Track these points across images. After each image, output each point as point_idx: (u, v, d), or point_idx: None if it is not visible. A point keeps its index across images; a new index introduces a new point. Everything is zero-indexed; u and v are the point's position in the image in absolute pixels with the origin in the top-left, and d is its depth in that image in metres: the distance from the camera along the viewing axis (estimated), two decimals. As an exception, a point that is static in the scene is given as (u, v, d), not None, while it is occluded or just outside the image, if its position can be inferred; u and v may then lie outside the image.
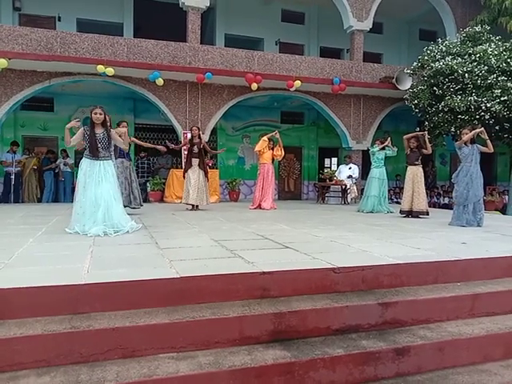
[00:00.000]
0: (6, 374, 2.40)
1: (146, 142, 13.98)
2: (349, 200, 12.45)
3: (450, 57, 11.71)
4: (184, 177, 8.88)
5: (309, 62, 12.85)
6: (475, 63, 11.36)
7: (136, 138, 7.30)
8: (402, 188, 9.42)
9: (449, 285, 3.63)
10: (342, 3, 13.15)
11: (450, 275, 3.71)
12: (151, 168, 13.12)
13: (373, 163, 9.67)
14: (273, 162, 10.07)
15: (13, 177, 11.30)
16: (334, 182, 12.50)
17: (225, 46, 14.14)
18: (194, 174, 8.67)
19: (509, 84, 11.18)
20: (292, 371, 2.64)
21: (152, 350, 2.64)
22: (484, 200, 7.94)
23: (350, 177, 12.53)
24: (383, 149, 9.60)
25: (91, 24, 13.67)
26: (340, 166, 13.32)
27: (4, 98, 10.74)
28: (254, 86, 11.78)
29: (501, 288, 3.66)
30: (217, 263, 3.47)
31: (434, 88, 11.96)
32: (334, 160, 16.86)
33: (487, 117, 11.25)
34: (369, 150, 10.45)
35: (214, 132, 13.59)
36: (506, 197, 14.30)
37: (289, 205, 11.66)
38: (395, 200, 14.07)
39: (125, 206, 5.87)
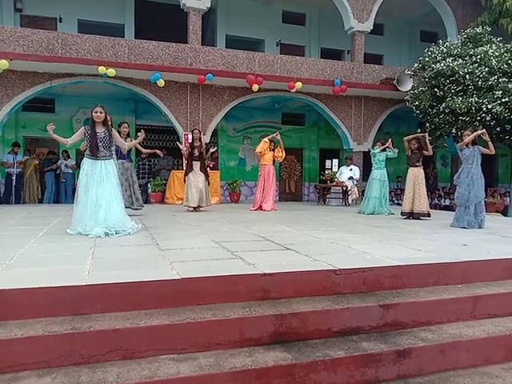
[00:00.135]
0: (6, 375, 2.40)
1: (147, 143, 14.19)
2: (350, 201, 12.45)
3: (451, 58, 11.71)
4: (185, 180, 8.88)
5: (310, 64, 12.86)
6: (476, 64, 11.36)
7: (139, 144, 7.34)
8: (403, 189, 9.41)
9: (450, 287, 3.62)
10: (342, 4, 13.16)
11: (451, 277, 3.70)
12: (152, 169, 13.13)
13: (374, 165, 9.66)
14: (274, 163, 10.07)
15: (14, 178, 11.31)
16: (334, 183, 12.50)
17: (226, 47, 14.17)
18: (195, 177, 8.66)
19: (510, 85, 11.17)
20: (293, 373, 2.64)
21: (153, 351, 2.64)
22: (485, 202, 7.93)
23: (350, 178, 12.52)
24: (384, 150, 9.60)
25: (92, 25, 13.70)
26: (341, 168, 13.32)
27: (5, 99, 10.76)
28: (255, 87, 11.79)
29: (502, 290, 3.66)
30: (217, 264, 3.47)
31: (435, 89, 11.96)
32: (335, 161, 16.81)
33: (488, 118, 11.25)
34: (370, 151, 10.45)
35: (214, 133, 13.60)
36: (507, 198, 14.30)
37: (290, 206, 11.66)
38: (396, 201, 14.06)
39: (126, 207, 5.87)
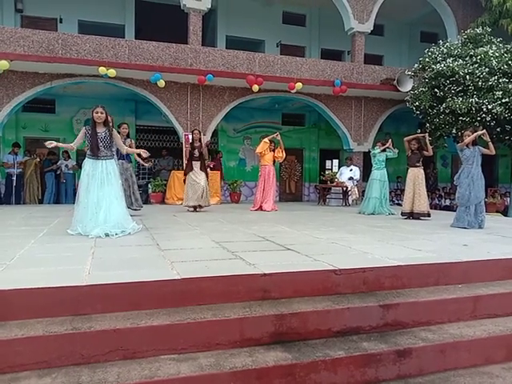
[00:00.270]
0: (7, 375, 2.40)
1: (147, 143, 14.21)
2: (350, 202, 12.44)
3: (451, 59, 11.71)
4: (185, 180, 8.88)
5: (310, 64, 12.87)
6: (476, 65, 11.37)
7: (131, 145, 7.37)
8: (403, 190, 9.41)
9: (450, 287, 3.62)
10: (343, 5, 13.17)
11: (452, 277, 3.70)
12: (152, 170, 13.14)
13: (374, 165, 9.66)
14: (274, 163, 10.07)
15: (14, 178, 11.32)
16: (335, 183, 12.50)
17: (226, 47, 14.16)
18: (196, 175, 8.67)
19: (510, 86, 11.17)
20: (293, 373, 2.64)
21: (153, 351, 2.64)
22: (485, 202, 7.94)
23: (351, 178, 12.52)
24: (384, 151, 9.60)
25: (93, 26, 13.71)
26: (341, 168, 13.32)
27: (5, 100, 10.76)
28: (255, 87, 11.80)
29: (502, 290, 3.66)
30: (218, 265, 3.47)
31: (435, 90, 11.96)
32: (335, 162, 16.83)
33: (488, 119, 11.25)
34: (370, 151, 10.45)
35: (215, 134, 13.62)
36: (508, 199, 14.30)
37: (290, 206, 11.66)
38: (396, 202, 14.05)
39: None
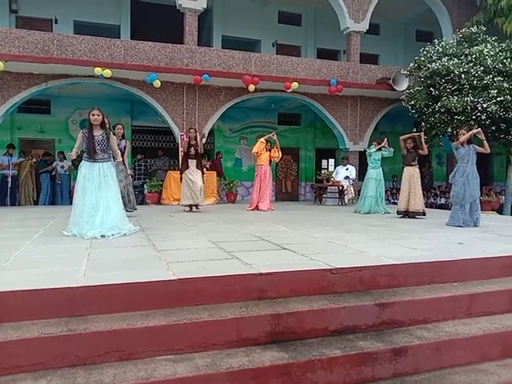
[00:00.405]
0: (2, 377, 2.39)
1: (143, 144, 14.19)
2: (346, 201, 12.46)
3: (447, 57, 11.75)
4: (181, 179, 8.88)
5: (306, 64, 12.87)
6: (471, 64, 11.40)
7: (126, 146, 7.39)
8: (399, 189, 9.43)
9: (446, 285, 3.64)
10: (338, 4, 13.18)
11: (447, 275, 3.72)
12: (148, 170, 13.11)
13: (369, 164, 9.69)
14: (270, 163, 10.08)
15: (9, 179, 11.26)
16: (331, 183, 12.51)
17: (222, 47, 14.14)
18: (192, 175, 8.66)
19: (505, 84, 11.22)
20: (289, 372, 2.64)
21: (149, 352, 2.63)
22: (480, 200, 7.96)
23: (347, 177, 12.54)
24: (380, 150, 9.62)
25: (88, 26, 13.65)
26: (337, 167, 13.34)
27: (0, 101, 10.70)
28: (251, 87, 11.79)
29: (497, 288, 3.67)
30: (214, 265, 3.47)
31: (431, 89, 11.99)
32: (331, 161, 16.88)
33: (483, 117, 11.29)
34: (366, 151, 10.47)
35: (211, 134, 13.60)
36: (503, 197, 14.35)
37: (286, 206, 11.67)
38: (392, 201, 14.09)
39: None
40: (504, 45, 11.89)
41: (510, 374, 2.98)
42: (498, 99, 11.13)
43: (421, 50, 12.68)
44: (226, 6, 14.86)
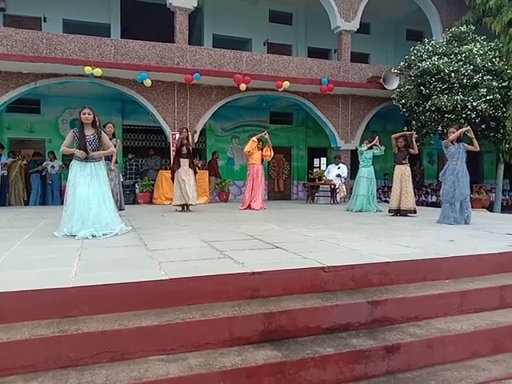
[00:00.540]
0: (-8, 379, 2.36)
1: (134, 143, 14.11)
2: (338, 199, 12.51)
3: (437, 56, 11.84)
4: (172, 178, 8.84)
5: (297, 63, 12.89)
6: (461, 63, 11.50)
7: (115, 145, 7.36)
8: (391, 187, 9.47)
9: (437, 282, 3.66)
10: (329, 3, 13.21)
11: (439, 273, 3.74)
12: (139, 169, 13.04)
13: (361, 162, 9.73)
14: (262, 162, 10.08)
15: (-1, 180, 11.14)
16: (323, 181, 12.55)
17: (213, 46, 14.12)
18: (184, 174, 8.63)
19: (494, 83, 11.34)
20: (283, 371, 2.64)
21: (141, 352, 2.62)
22: (471, 198, 8.03)
23: (338, 176, 12.59)
24: (371, 148, 9.66)
25: (77, 25, 13.55)
26: (329, 166, 13.39)
27: (-11, 100, 10.60)
28: (243, 86, 11.78)
29: (488, 284, 3.71)
30: (206, 264, 3.46)
31: (421, 87, 12.08)
32: (323, 160, 16.93)
33: (473, 115, 11.40)
34: (357, 149, 10.51)
35: (203, 133, 13.57)
36: (493, 194, 14.49)
37: (278, 205, 11.68)
38: (384, 199, 14.16)
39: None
40: (493, 44, 12.02)
41: (500, 370, 3.01)
42: (488, 98, 11.25)
43: (411, 49, 12.77)
44: (216, 4, 14.82)
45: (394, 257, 3.78)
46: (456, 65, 11.48)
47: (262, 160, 10.06)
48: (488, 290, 3.63)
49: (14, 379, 2.37)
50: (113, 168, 7.43)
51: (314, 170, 13.55)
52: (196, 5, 11.89)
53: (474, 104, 11.23)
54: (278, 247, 4.31)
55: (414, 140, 8.41)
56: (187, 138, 8.84)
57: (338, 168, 12.76)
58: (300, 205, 11.99)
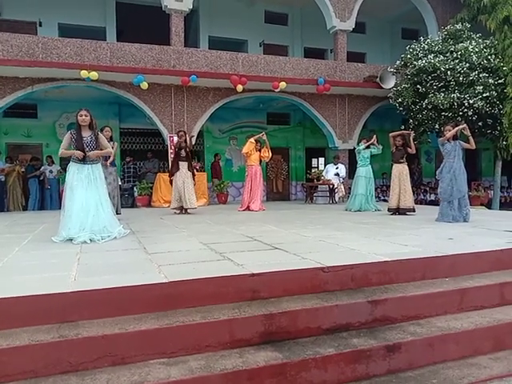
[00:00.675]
0: (-8, 386, 2.36)
1: (132, 146, 14.09)
2: (336, 199, 12.52)
3: (433, 55, 11.86)
4: (171, 181, 8.83)
5: (293, 63, 12.90)
6: (457, 60, 11.53)
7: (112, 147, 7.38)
8: (389, 186, 9.48)
9: (437, 280, 3.66)
10: (324, 3, 13.23)
11: (438, 271, 3.74)
12: (137, 172, 13.02)
13: (359, 162, 9.73)
14: (260, 163, 10.08)
15: (-4, 185, 11.12)
16: (321, 181, 12.56)
17: (209, 48, 14.12)
18: (182, 177, 8.62)
19: (490, 80, 11.37)
20: (284, 372, 2.63)
21: (142, 356, 2.61)
22: (469, 195, 8.04)
23: (337, 174, 12.60)
24: (368, 147, 9.67)
25: (73, 29, 13.52)
26: (327, 166, 13.39)
27: (-15, 106, 10.58)
28: (239, 87, 11.78)
29: (488, 282, 3.71)
30: (206, 266, 3.46)
31: (418, 86, 12.09)
32: (321, 160, 16.95)
33: (470, 113, 11.42)
34: (355, 148, 10.52)
35: (200, 135, 13.56)
36: (491, 191, 14.52)
37: (277, 206, 11.68)
38: (382, 198, 14.17)
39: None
40: (488, 41, 12.05)
41: (502, 367, 3.01)
42: (484, 95, 11.28)
43: (407, 48, 12.79)
44: (212, 6, 14.83)
45: (393, 256, 3.78)
46: (452, 63, 11.50)
47: (261, 161, 10.06)
48: (488, 288, 3.64)
49: (15, 385, 2.37)
50: (109, 165, 7.40)
51: (313, 171, 13.55)
52: (191, 7, 11.89)
53: (471, 101, 11.25)
54: (277, 248, 4.31)
55: (411, 139, 8.42)
56: (185, 141, 8.83)
57: (337, 168, 12.78)
58: (299, 205, 11.99)
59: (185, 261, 3.71)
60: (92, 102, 12.48)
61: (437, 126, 11.93)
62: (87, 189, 5.05)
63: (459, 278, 3.76)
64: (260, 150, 9.92)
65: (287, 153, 16.14)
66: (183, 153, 8.74)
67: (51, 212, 10.06)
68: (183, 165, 8.68)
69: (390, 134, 8.56)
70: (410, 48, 12.67)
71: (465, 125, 7.04)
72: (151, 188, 12.05)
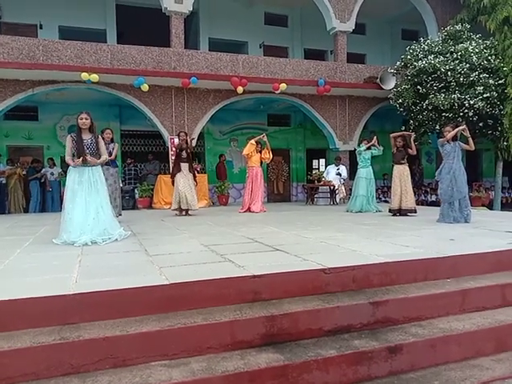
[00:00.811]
0: (-6, 389, 2.35)
1: (133, 148, 14.10)
2: (337, 200, 12.51)
3: (433, 55, 11.87)
4: (172, 182, 8.84)
5: (293, 65, 12.91)
6: (457, 61, 11.53)
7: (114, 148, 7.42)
8: (390, 187, 9.47)
9: (438, 281, 3.65)
10: (324, 5, 13.24)
11: (440, 272, 3.73)
12: (138, 174, 13.03)
13: (359, 163, 9.73)
14: (261, 164, 10.09)
15: (-2, 188, 11.13)
16: (322, 182, 12.55)
17: (209, 50, 14.14)
18: (184, 178, 8.63)
19: (490, 81, 11.36)
20: (285, 374, 2.63)
21: (144, 358, 2.61)
22: (470, 196, 8.03)
23: (338, 174, 12.59)
24: (369, 148, 9.67)
25: (74, 31, 13.56)
26: (328, 167, 13.39)
27: (-14, 108, 10.59)
28: (240, 89, 11.79)
29: (490, 283, 3.70)
30: (207, 268, 3.45)
31: (418, 87, 12.09)
32: (322, 161, 16.94)
33: (471, 114, 11.41)
34: (355, 149, 10.51)
35: (201, 136, 13.57)
36: (492, 192, 14.51)
37: (278, 207, 11.67)
38: (383, 199, 14.16)
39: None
40: (488, 42, 12.05)
41: (504, 369, 3.00)
42: (485, 96, 11.27)
43: (407, 49, 12.79)
44: (212, 8, 14.85)
45: (394, 257, 3.78)
46: (452, 63, 11.51)
47: (261, 162, 10.07)
48: (489, 289, 3.63)
49: (16, 388, 2.36)
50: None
51: (313, 172, 13.55)
52: (191, 9, 11.91)
53: (471, 102, 11.25)
54: (278, 250, 4.31)
55: (412, 140, 8.42)
56: (186, 142, 8.84)
57: (338, 169, 12.78)
58: (300, 206, 11.99)
59: (186, 263, 3.71)
60: (93, 104, 12.52)
61: (437, 127, 11.92)
62: (88, 192, 5.06)
63: (461, 279, 3.75)
64: (261, 152, 9.92)
65: (288, 154, 16.15)
66: (184, 154, 8.75)
67: (52, 214, 10.07)
68: (184, 166, 8.70)
69: (391, 135, 8.55)
70: (410, 49, 12.68)
71: (464, 126, 7.04)
72: (152, 190, 12.06)
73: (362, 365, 2.82)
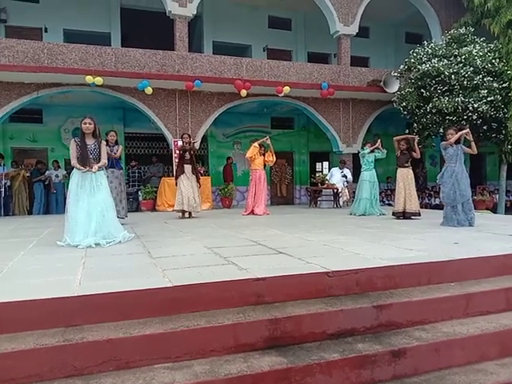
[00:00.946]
0: (-2, 390, 2.36)
1: (137, 151, 14.15)
2: (341, 203, 12.49)
3: (436, 59, 11.85)
4: (176, 183, 8.86)
5: (297, 68, 12.93)
6: (461, 64, 11.51)
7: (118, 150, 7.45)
8: (393, 190, 9.44)
9: (442, 285, 3.63)
10: (327, 8, 13.26)
11: (444, 275, 3.72)
12: (142, 177, 13.07)
13: (363, 166, 9.71)
14: (264, 167, 10.09)
15: (2, 190, 11.17)
16: (325, 185, 12.54)
17: (213, 53, 14.18)
18: (187, 180, 8.66)
19: (494, 84, 11.34)
20: (288, 377, 2.62)
21: (147, 360, 2.61)
22: (474, 199, 7.99)
23: (344, 176, 12.58)
24: (373, 151, 9.66)
25: (78, 34, 13.63)
26: (332, 170, 13.37)
27: (-9, 111, 10.65)
28: (243, 92, 11.82)
29: (494, 287, 3.68)
30: (210, 271, 3.45)
31: (422, 90, 12.08)
32: (325, 164, 16.94)
33: (475, 117, 11.39)
34: (359, 152, 10.50)
35: (204, 139, 13.59)
36: (497, 196, 14.45)
37: (281, 210, 11.67)
38: (387, 202, 14.13)
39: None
40: (492, 45, 12.03)
41: (508, 374, 2.98)
42: (489, 99, 11.25)
43: (410, 52, 12.78)
44: (216, 11, 14.90)
45: (398, 260, 3.77)
46: (456, 67, 11.49)
47: (265, 165, 10.08)
48: (494, 293, 3.61)
49: (20, 389, 2.37)
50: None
51: (317, 175, 13.55)
52: (195, 12, 11.97)
53: (475, 105, 11.23)
54: (281, 252, 4.31)
55: (416, 144, 8.39)
56: (189, 144, 8.87)
57: (341, 172, 12.77)
58: (303, 209, 11.98)
59: (189, 265, 3.71)
60: (97, 106, 12.59)
61: (441, 130, 11.89)
62: (91, 195, 5.08)
63: (465, 282, 3.73)
64: (264, 155, 9.93)
65: (291, 157, 16.15)
66: (187, 155, 8.78)
67: (56, 216, 10.11)
68: (187, 167, 8.73)
69: (395, 138, 8.54)
70: (413, 52, 12.67)
71: (468, 129, 7.01)
72: (156, 192, 12.08)
73: (366, 368, 2.81)
